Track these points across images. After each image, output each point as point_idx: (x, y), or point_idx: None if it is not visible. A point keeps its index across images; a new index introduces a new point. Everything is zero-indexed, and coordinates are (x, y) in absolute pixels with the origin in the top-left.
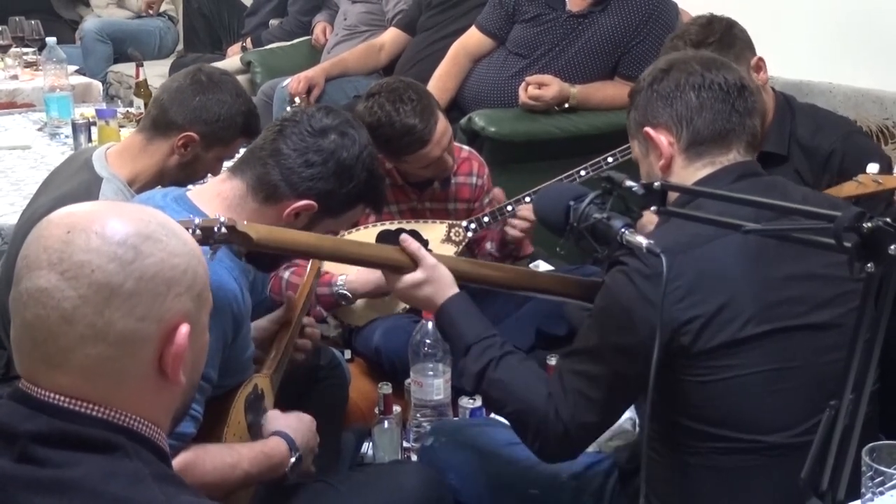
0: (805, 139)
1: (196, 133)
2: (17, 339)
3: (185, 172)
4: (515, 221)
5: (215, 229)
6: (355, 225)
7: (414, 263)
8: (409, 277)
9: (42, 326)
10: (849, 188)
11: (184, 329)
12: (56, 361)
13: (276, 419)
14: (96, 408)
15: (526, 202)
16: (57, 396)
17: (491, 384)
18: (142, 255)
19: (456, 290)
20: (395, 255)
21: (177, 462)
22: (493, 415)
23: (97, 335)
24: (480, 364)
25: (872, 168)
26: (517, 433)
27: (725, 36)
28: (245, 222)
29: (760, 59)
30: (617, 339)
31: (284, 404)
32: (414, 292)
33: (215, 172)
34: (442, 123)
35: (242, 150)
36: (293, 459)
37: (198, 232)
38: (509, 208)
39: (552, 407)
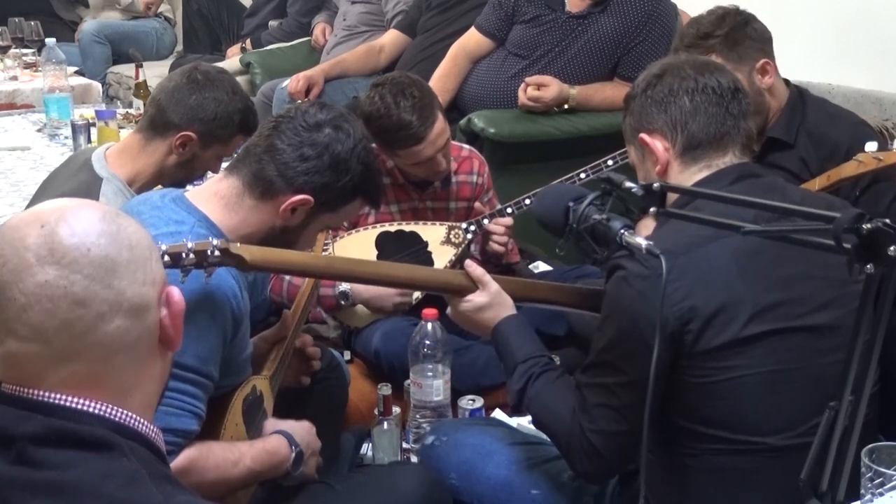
0: (814, 127)
1: (193, 132)
2: (16, 351)
3: (184, 171)
4: (493, 236)
5: (208, 252)
6: (354, 226)
7: (476, 288)
8: (470, 302)
9: (52, 321)
10: (850, 167)
11: (176, 291)
12: (70, 353)
13: (275, 423)
14: (93, 404)
15: (526, 204)
16: (52, 395)
17: (529, 402)
18: (122, 226)
19: (513, 311)
20: (456, 279)
21: (181, 459)
22: (492, 414)
23: (112, 308)
24: (522, 382)
25: (871, 146)
26: (560, 453)
27: (734, 32)
28: (238, 244)
29: (768, 63)
30: (624, 346)
31: (284, 405)
32: (473, 315)
33: (214, 170)
34: (440, 125)
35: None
36: (294, 455)
37: (191, 256)
38: (509, 210)
39: (577, 423)
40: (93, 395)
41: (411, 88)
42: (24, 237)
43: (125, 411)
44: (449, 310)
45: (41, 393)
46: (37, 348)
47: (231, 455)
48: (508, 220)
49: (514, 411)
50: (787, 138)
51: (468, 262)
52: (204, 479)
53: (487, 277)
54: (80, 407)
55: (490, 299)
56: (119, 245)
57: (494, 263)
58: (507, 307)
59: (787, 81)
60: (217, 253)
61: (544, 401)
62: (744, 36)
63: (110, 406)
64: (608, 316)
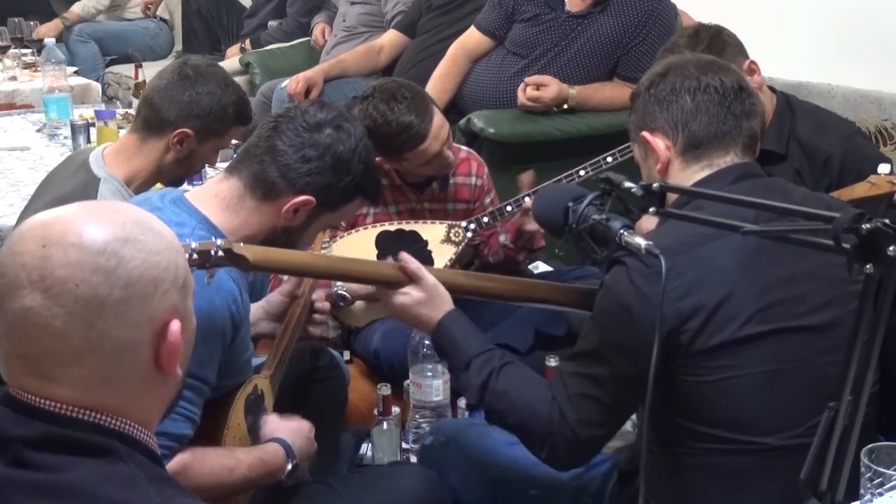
0: (806, 138)
1: (190, 128)
2: (6, 356)
3: (183, 168)
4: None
5: (212, 252)
6: (354, 226)
7: (412, 281)
8: (407, 295)
9: (34, 345)
10: (861, 189)
11: (175, 326)
12: (52, 376)
13: (275, 425)
14: (89, 413)
15: (525, 202)
16: (50, 403)
17: (494, 395)
18: (123, 260)
19: (451, 306)
20: (390, 272)
21: (174, 464)
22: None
23: (93, 348)
24: (482, 377)
25: (884, 168)
26: (524, 443)
27: (713, 43)
28: (242, 244)
29: (753, 63)
30: (618, 339)
31: (284, 405)
32: (411, 310)
33: (212, 163)
34: (438, 118)
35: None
36: (289, 467)
37: (194, 256)
38: (508, 209)
39: (556, 410)
40: (87, 406)
41: (401, 90)
42: (23, 253)
43: (120, 418)
44: (381, 303)
45: (38, 399)
46: (22, 365)
47: (227, 462)
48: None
49: (476, 406)
50: (779, 149)
51: (403, 255)
52: (199, 484)
53: (424, 271)
54: (75, 416)
55: (427, 293)
56: (112, 284)
57: (528, 249)
58: (446, 301)
59: (771, 88)
60: (221, 253)
61: (516, 392)
62: (723, 44)
63: (105, 415)
64: (604, 308)
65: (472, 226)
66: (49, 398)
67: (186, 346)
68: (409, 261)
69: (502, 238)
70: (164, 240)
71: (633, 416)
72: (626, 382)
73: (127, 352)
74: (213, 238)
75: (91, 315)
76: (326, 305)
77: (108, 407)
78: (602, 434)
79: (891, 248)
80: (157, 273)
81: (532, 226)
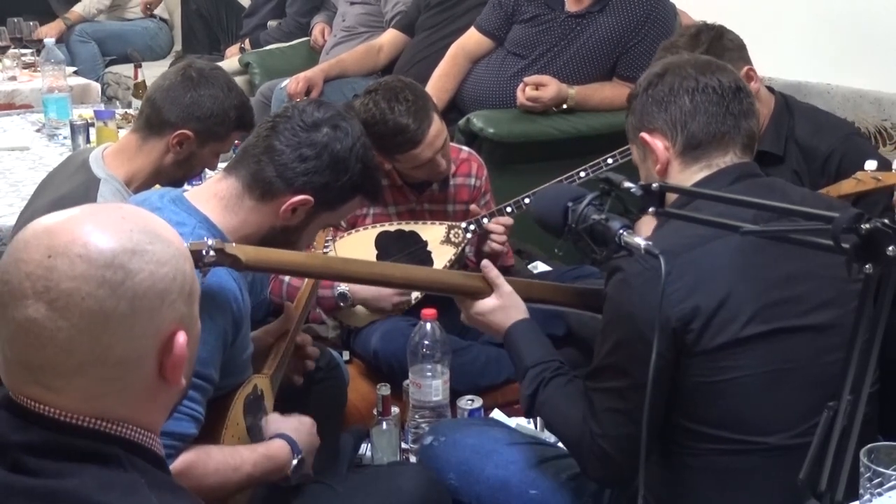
0: (804, 139)
1: (190, 130)
2: (7, 362)
3: (182, 170)
4: (492, 235)
5: (204, 252)
6: (353, 226)
7: (491, 290)
8: (487, 303)
9: (37, 356)
10: (848, 185)
11: (181, 338)
12: (54, 386)
13: (278, 422)
14: (90, 420)
15: (525, 203)
16: (51, 409)
17: (539, 407)
18: (131, 273)
19: (524, 315)
20: (474, 283)
21: (179, 463)
22: (491, 415)
23: (97, 361)
24: (532, 387)
25: (871, 165)
26: (573, 457)
27: (713, 47)
28: (234, 244)
29: (751, 70)
30: (629, 349)
31: (284, 405)
32: (485, 317)
33: (212, 167)
34: (436, 126)
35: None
36: (295, 462)
37: None
38: (509, 209)
39: (587, 428)
40: (88, 413)
41: (405, 92)
42: (28, 261)
43: (122, 423)
44: (462, 315)
45: (38, 405)
46: (23, 372)
47: (232, 460)
48: (508, 220)
49: (527, 416)
50: (777, 150)
51: (485, 263)
52: (203, 483)
53: (501, 280)
54: (76, 423)
55: (501, 302)
56: (118, 298)
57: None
58: (518, 310)
59: (770, 88)
60: (213, 253)
61: (554, 406)
62: (723, 48)
63: (107, 421)
64: (610, 319)
65: (472, 227)
66: (50, 405)
67: (191, 354)
68: (489, 269)
69: (468, 249)
70: (172, 247)
71: None
72: (646, 389)
73: (131, 364)
74: (206, 237)
75: (96, 329)
76: (315, 351)
77: (109, 415)
78: (633, 446)
79: (890, 248)
80: (165, 285)
81: (491, 247)
